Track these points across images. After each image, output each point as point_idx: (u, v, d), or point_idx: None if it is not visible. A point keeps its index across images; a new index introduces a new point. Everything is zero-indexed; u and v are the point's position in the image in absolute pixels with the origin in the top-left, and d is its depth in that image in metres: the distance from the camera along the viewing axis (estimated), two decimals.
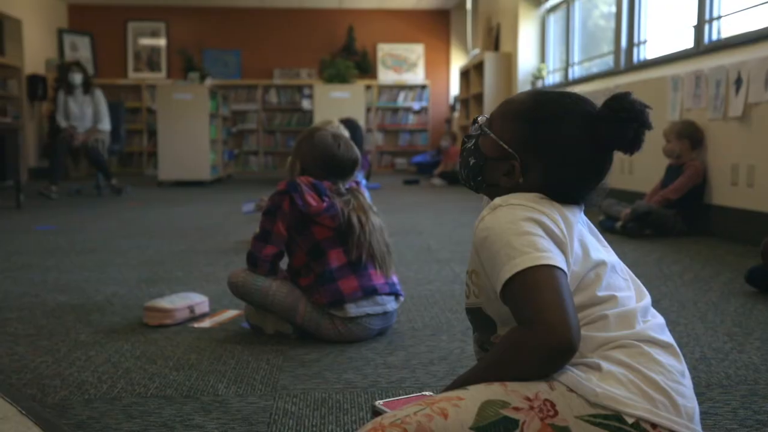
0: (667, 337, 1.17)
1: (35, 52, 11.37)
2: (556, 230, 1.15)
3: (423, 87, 12.92)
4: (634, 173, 5.79)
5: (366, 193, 4.20)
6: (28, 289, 3.03)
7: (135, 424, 1.59)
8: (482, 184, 1.29)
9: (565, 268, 1.11)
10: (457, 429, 1.03)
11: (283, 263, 2.37)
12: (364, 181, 4.24)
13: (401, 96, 12.90)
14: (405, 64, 12.99)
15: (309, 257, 2.25)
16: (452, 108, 12.58)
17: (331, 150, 2.30)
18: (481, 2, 11.05)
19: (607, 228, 4.80)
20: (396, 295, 2.32)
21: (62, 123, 7.97)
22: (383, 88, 12.90)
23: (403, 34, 13.01)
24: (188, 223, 5.42)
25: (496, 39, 10.07)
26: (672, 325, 2.43)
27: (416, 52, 13.01)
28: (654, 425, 1.03)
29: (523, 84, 9.08)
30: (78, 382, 1.87)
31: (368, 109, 12.61)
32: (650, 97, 5.49)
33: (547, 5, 8.88)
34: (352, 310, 2.20)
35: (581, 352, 1.11)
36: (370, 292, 2.23)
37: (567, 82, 8.15)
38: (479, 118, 1.30)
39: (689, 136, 4.68)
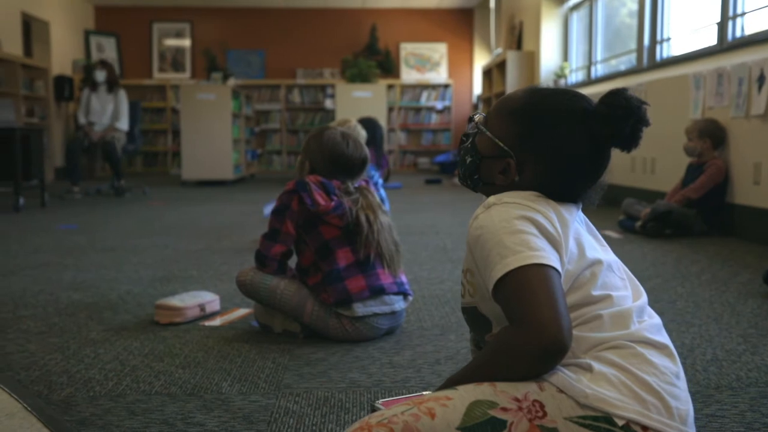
0: (663, 337, 1.15)
1: (62, 53, 11.51)
2: (551, 228, 1.13)
3: (446, 86, 12.88)
4: (657, 172, 5.73)
5: (382, 192, 4.21)
6: (45, 286, 3.06)
7: (137, 421, 1.60)
8: (479, 183, 1.28)
9: (559, 267, 1.10)
10: (444, 429, 1.02)
11: (292, 262, 2.37)
12: (380, 181, 4.24)
13: (424, 95, 12.87)
14: (428, 64, 12.95)
15: (317, 256, 2.25)
16: (475, 107, 12.52)
17: (340, 149, 2.29)
18: (505, 0, 10.99)
19: (627, 228, 4.75)
20: (404, 294, 2.31)
21: (81, 119, 8.09)
22: (406, 88, 12.88)
23: (426, 34, 12.98)
24: (207, 222, 5.45)
25: (518, 37, 10.02)
26: (686, 326, 2.40)
27: (439, 51, 12.97)
28: (645, 428, 1.01)
29: (545, 82, 9.01)
30: (85, 380, 1.88)
31: (391, 109, 12.61)
32: (672, 95, 5.42)
33: (570, 3, 8.81)
34: (360, 309, 2.19)
35: (574, 353, 1.09)
36: (378, 292, 2.22)
37: (589, 81, 8.08)
38: (475, 116, 1.29)
39: (711, 135, 4.61)
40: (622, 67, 7.23)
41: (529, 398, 1.04)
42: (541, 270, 1.07)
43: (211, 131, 9.31)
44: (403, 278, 2.33)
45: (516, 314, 1.06)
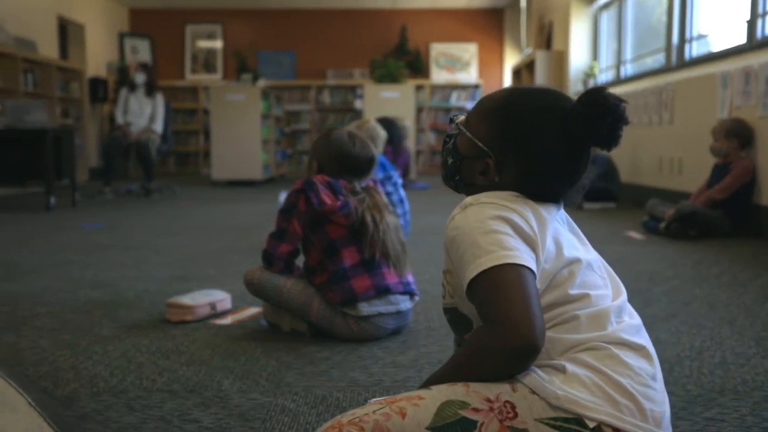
0: (641, 338, 1.13)
1: (97, 56, 11.71)
2: (526, 228, 1.13)
3: (476, 86, 12.84)
4: (684, 173, 5.65)
5: (401, 193, 4.21)
6: (65, 284, 3.12)
7: (135, 417, 1.63)
8: (461, 184, 1.27)
9: (533, 267, 1.09)
10: (414, 428, 1.02)
11: (300, 261, 2.39)
12: (400, 181, 4.25)
13: (454, 95, 12.84)
14: (458, 64, 12.92)
15: (323, 256, 2.26)
16: None
17: (347, 149, 2.30)
18: (535, 0, 10.92)
19: (651, 229, 4.69)
20: (411, 294, 2.31)
21: (119, 119, 8.24)
22: (436, 88, 12.86)
23: (456, 34, 12.96)
24: (231, 221, 5.50)
25: (548, 37, 9.95)
26: (697, 329, 2.36)
27: (469, 51, 12.94)
28: (616, 430, 1.01)
29: (574, 82, 8.95)
30: (90, 376, 1.91)
31: (420, 109, 12.60)
32: (700, 94, 5.35)
33: (600, 2, 8.73)
34: (365, 308, 2.20)
35: (550, 354, 1.09)
36: (383, 291, 2.23)
37: (618, 80, 7.99)
38: (456, 117, 1.29)
39: (738, 135, 4.54)
40: (656, 65, 7.14)
41: (500, 399, 1.04)
42: (515, 269, 1.07)
43: (240, 132, 9.39)
44: (410, 278, 2.33)
45: (489, 314, 1.06)
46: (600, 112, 1.15)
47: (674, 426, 1.57)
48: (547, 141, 1.18)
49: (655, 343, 2.15)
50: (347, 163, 2.31)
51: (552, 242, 1.16)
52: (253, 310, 2.61)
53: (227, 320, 2.51)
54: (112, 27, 12.40)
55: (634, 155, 6.79)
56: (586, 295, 1.13)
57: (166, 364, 2.02)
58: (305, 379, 1.89)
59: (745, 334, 2.31)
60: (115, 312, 2.63)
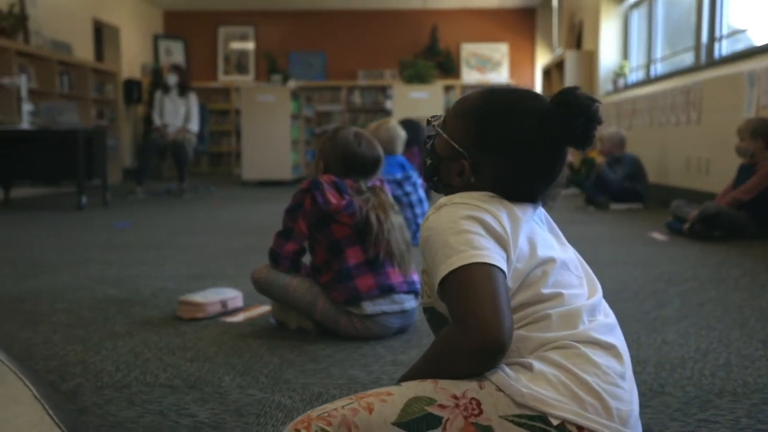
0: (613, 337, 1.13)
1: (132, 58, 11.90)
2: (498, 228, 1.13)
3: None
4: (711, 173, 5.57)
5: (421, 193, 4.22)
6: (85, 282, 3.19)
7: (134, 411, 1.67)
8: (439, 184, 1.29)
9: (503, 266, 1.10)
10: (380, 424, 1.04)
11: (307, 260, 2.41)
12: (419, 181, 4.26)
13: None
14: (489, 64, 12.88)
15: (328, 255, 2.29)
16: None
17: (352, 148, 2.32)
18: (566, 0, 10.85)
19: (675, 229, 4.64)
20: (415, 293, 2.33)
21: (156, 120, 8.41)
22: (466, 88, 12.82)
23: (487, 34, 12.92)
24: (256, 221, 5.56)
25: (578, 36, 9.87)
26: (706, 331, 2.34)
27: (500, 51, 12.89)
28: (580, 428, 1.01)
29: (604, 82, 8.87)
30: (96, 370, 1.96)
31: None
32: (727, 93, 5.27)
33: (631, 1, 8.63)
34: (369, 307, 2.22)
35: (520, 352, 1.10)
36: (387, 291, 2.25)
37: (649, 79, 7.90)
38: (433, 119, 1.30)
39: (764, 135, 4.46)
40: (685, 64, 7.05)
41: (467, 396, 1.05)
42: (484, 269, 1.08)
43: (270, 132, 9.48)
44: (415, 277, 2.35)
45: (457, 312, 1.07)
46: (572, 113, 1.16)
47: (665, 427, 1.57)
48: (522, 142, 1.19)
49: (661, 344, 2.16)
50: (353, 162, 2.33)
51: (526, 242, 1.17)
52: (264, 308, 2.64)
53: (239, 318, 2.55)
54: (146, 29, 12.59)
55: (662, 155, 6.71)
56: (559, 295, 1.14)
57: (171, 360, 2.06)
58: (304, 377, 1.91)
59: (754, 336, 2.28)
60: (130, 309, 2.68)
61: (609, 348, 1.11)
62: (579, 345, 1.08)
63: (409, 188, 4.14)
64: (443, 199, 1.20)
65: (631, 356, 2.01)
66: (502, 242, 1.13)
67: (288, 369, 1.98)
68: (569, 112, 1.16)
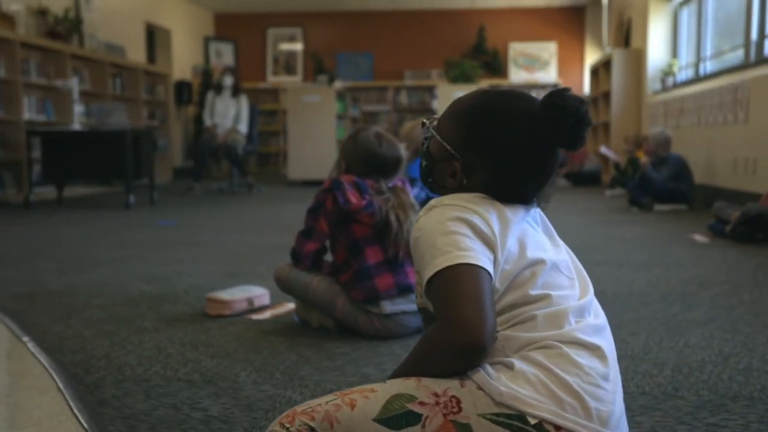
0: (599, 338, 1.13)
1: (182, 59, 12.14)
2: (485, 229, 1.14)
3: (555, 86, 12.65)
4: (758, 174, 5.44)
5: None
6: (122, 278, 3.28)
7: (149, 404, 1.72)
8: (434, 186, 1.30)
9: (489, 267, 1.11)
10: (361, 419, 1.06)
11: (329, 258, 2.45)
12: None
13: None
14: (537, 63, 12.78)
15: (349, 254, 2.32)
16: None
17: (373, 149, 2.35)
18: None
19: (717, 231, 4.54)
20: None
21: (207, 121, 8.58)
22: (514, 88, 12.72)
23: (535, 33, 12.81)
24: (294, 220, 5.61)
25: (626, 35, 9.72)
26: (732, 334, 2.30)
27: (549, 50, 12.77)
28: (558, 427, 1.02)
29: (652, 81, 8.72)
30: (120, 364, 2.03)
31: None
32: None
33: None
34: (387, 307, 2.24)
35: (505, 352, 1.10)
36: (406, 290, 2.26)
37: (697, 78, 7.74)
38: (427, 120, 1.31)
39: None
40: (734, 62, 6.89)
41: (447, 394, 1.06)
42: (469, 270, 1.09)
43: (315, 132, 9.57)
44: None
45: (440, 312, 1.08)
46: (560, 114, 1.16)
47: (673, 430, 1.56)
48: (512, 143, 1.20)
49: (683, 347, 2.13)
50: (374, 162, 2.35)
51: (515, 243, 1.17)
52: (290, 306, 2.68)
53: (265, 315, 2.60)
54: (197, 32, 12.82)
55: (709, 155, 6.58)
56: (547, 296, 1.14)
57: (192, 355, 2.11)
58: (319, 373, 1.94)
59: None
60: (160, 305, 2.75)
61: (593, 349, 1.11)
62: (562, 345, 1.09)
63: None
64: (433, 201, 1.22)
65: (650, 359, 2.02)
66: (489, 243, 1.14)
67: (304, 366, 2.01)
68: (558, 114, 1.17)
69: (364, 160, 2.35)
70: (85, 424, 1.59)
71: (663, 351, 2.13)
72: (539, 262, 1.17)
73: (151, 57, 11.48)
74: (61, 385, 1.85)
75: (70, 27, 8.50)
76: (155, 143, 10.50)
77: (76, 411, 1.67)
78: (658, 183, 6.18)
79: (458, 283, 1.08)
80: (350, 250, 2.31)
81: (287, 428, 1.07)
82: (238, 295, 2.63)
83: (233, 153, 8.43)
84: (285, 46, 13.43)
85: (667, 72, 8.42)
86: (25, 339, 2.28)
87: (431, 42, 12.95)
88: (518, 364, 1.07)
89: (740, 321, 2.47)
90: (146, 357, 2.10)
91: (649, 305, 2.71)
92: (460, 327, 1.05)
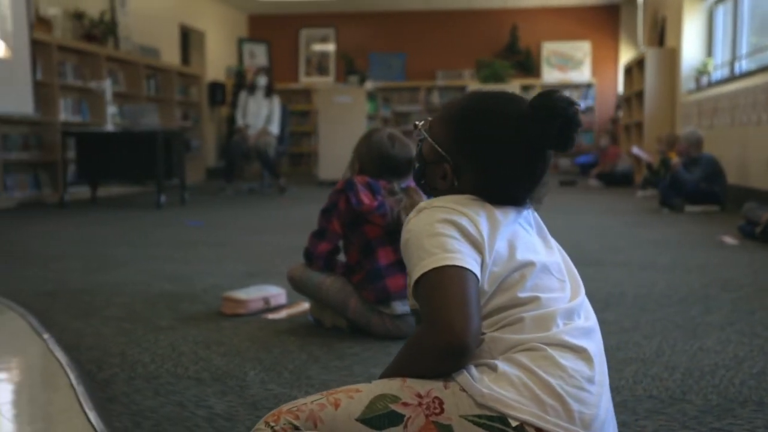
0: (587, 341, 1.13)
1: (216, 61, 12.27)
2: (473, 231, 1.14)
3: (588, 86, 12.54)
4: None
5: None
6: (145, 277, 3.34)
7: (156, 401, 1.75)
8: (426, 188, 1.31)
9: (475, 269, 1.11)
10: (345, 419, 1.07)
11: (343, 258, 2.46)
12: None
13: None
14: (570, 62, 12.67)
15: (361, 255, 2.33)
16: (618, 107, 12.10)
17: (386, 150, 2.36)
18: None
19: (747, 233, 4.47)
20: None
21: (239, 121, 8.65)
22: (546, 88, 12.62)
23: (568, 32, 12.70)
24: None
25: (661, 34, 9.59)
26: (749, 338, 2.26)
27: (582, 49, 12.65)
28: (539, 429, 1.02)
29: (686, 80, 8.59)
30: (132, 362, 2.06)
31: None
32: None
33: None
34: (399, 307, 2.25)
35: (491, 354, 1.11)
36: None
37: (733, 77, 7.61)
38: (419, 123, 1.32)
39: None
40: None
41: (431, 395, 1.07)
42: (456, 271, 1.09)
43: (346, 132, 9.58)
44: None
45: (426, 314, 1.09)
46: (548, 115, 1.16)
47: None
48: (502, 145, 1.20)
49: (697, 350, 2.11)
50: (387, 163, 2.36)
51: (505, 245, 1.17)
52: (307, 306, 2.69)
53: (281, 315, 2.62)
54: (231, 33, 12.95)
55: (743, 156, 6.46)
56: (536, 298, 1.14)
57: (204, 353, 2.14)
58: (326, 373, 1.96)
59: None
60: (179, 304, 2.79)
61: (579, 351, 1.10)
62: (547, 347, 1.08)
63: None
64: (423, 203, 1.22)
65: (662, 362, 2.00)
66: (476, 245, 1.14)
67: (312, 366, 2.03)
68: (546, 115, 1.17)
69: (377, 161, 2.36)
70: (92, 420, 1.62)
71: (676, 354, 2.10)
72: (529, 265, 1.17)
73: (185, 58, 11.63)
74: (73, 382, 1.89)
75: (105, 30, 8.65)
76: (187, 144, 10.64)
77: (85, 407, 1.70)
78: (690, 184, 6.09)
79: (444, 285, 1.09)
80: (362, 250, 2.32)
81: (272, 427, 1.09)
82: (254, 294, 2.65)
83: (264, 156, 8.50)
84: (317, 47, 13.50)
85: (702, 71, 8.29)
86: (45, 336, 2.33)
87: (463, 42, 12.91)
88: (502, 366, 1.07)
89: (760, 325, 2.43)
90: (159, 355, 2.13)
91: (667, 307, 2.68)
92: (443, 328, 1.05)
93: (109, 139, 6.92)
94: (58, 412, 1.72)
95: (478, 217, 1.16)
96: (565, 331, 1.12)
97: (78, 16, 8.29)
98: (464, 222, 1.15)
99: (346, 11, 13.21)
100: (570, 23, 12.69)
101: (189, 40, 11.80)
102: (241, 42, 13.09)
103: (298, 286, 2.40)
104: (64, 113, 7.75)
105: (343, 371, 1.98)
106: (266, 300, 2.67)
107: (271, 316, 2.60)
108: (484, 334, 1.12)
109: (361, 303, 2.30)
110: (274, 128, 8.71)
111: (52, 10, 7.87)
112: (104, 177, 7.26)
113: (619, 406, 1.69)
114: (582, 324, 1.15)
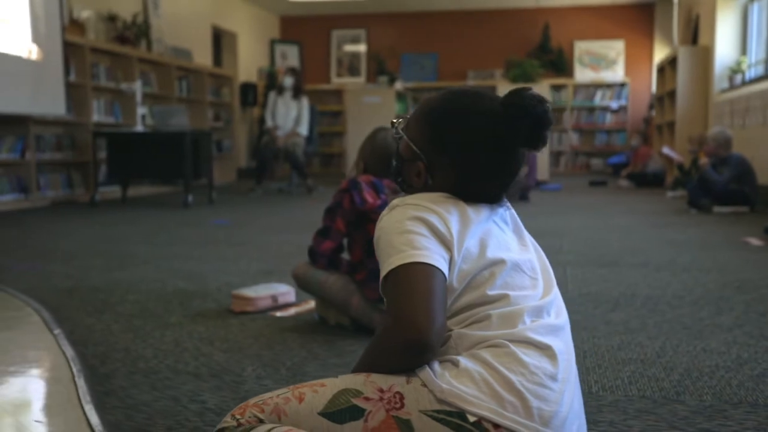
0: (553, 338, 1.12)
1: (248, 62, 12.38)
2: (442, 229, 1.15)
3: (622, 85, 12.40)
4: None
5: None
6: (162, 275, 3.39)
7: (152, 395, 1.78)
8: (404, 185, 1.31)
9: (443, 267, 1.12)
10: (308, 413, 1.08)
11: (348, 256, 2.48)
12: None
13: (598, 94, 12.47)
14: (603, 62, 12.53)
15: (364, 253, 2.34)
16: (651, 106, 11.95)
17: (390, 149, 2.37)
18: None
19: None
20: None
21: (269, 121, 8.72)
22: (579, 87, 12.54)
23: (601, 31, 12.57)
24: None
25: (694, 32, 9.45)
26: (756, 340, 2.24)
27: (616, 48, 12.51)
28: (497, 426, 1.02)
29: (719, 79, 8.45)
30: (135, 357, 2.10)
31: (563, 109, 12.36)
32: None
33: None
34: None
35: (457, 350, 1.11)
36: None
37: (767, 75, 7.47)
38: (396, 121, 1.33)
39: None
40: None
41: (392, 390, 1.07)
42: (422, 268, 1.10)
43: None
44: None
45: (391, 310, 1.10)
46: (519, 114, 1.16)
47: None
48: (474, 143, 1.20)
49: (700, 351, 2.09)
50: (390, 162, 2.36)
51: (476, 243, 1.18)
52: (314, 304, 2.72)
53: (290, 312, 2.65)
54: (263, 34, 13.06)
55: None
56: (505, 296, 1.14)
57: (207, 350, 2.17)
58: (323, 370, 1.97)
59: None
60: (191, 302, 2.83)
61: (544, 348, 1.10)
62: (510, 344, 1.09)
63: None
64: (396, 200, 1.23)
65: (661, 363, 1.98)
66: (446, 243, 1.15)
67: (311, 362, 2.05)
68: (516, 113, 1.17)
69: (381, 160, 2.38)
70: (87, 413, 1.66)
71: (678, 355, 2.08)
72: (499, 262, 1.17)
73: (218, 60, 11.75)
74: (75, 375, 1.93)
75: (138, 32, 8.78)
76: (219, 144, 10.76)
77: (82, 400, 1.74)
78: (719, 184, 5.99)
79: (409, 282, 1.10)
80: (366, 249, 2.34)
81: (237, 419, 1.11)
82: (262, 292, 2.68)
83: (293, 157, 8.55)
84: (349, 48, 13.55)
85: (735, 69, 8.15)
86: (56, 331, 2.38)
87: (495, 41, 12.86)
88: (464, 362, 1.08)
89: (766, 325, 2.40)
90: (162, 350, 2.17)
91: (678, 309, 2.65)
92: (406, 324, 1.06)
93: (138, 140, 7.03)
94: (56, 404, 1.77)
95: (449, 215, 1.17)
96: (531, 329, 1.12)
97: (111, 18, 8.44)
98: (434, 220, 1.16)
99: (377, 12, 13.24)
100: (603, 22, 12.56)
101: (221, 41, 11.92)
102: (273, 43, 13.19)
103: (302, 284, 2.43)
104: (97, 114, 7.89)
105: (341, 368, 1.99)
106: (274, 298, 2.70)
107: (279, 313, 2.63)
108: (451, 330, 1.13)
109: (363, 301, 2.32)
110: (303, 129, 8.77)
111: (85, 13, 8.02)
112: (134, 177, 7.37)
113: (610, 406, 1.69)
114: (551, 321, 1.15)
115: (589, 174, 12.09)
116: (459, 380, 1.06)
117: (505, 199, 1.28)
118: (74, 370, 1.98)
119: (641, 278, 3.23)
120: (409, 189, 1.30)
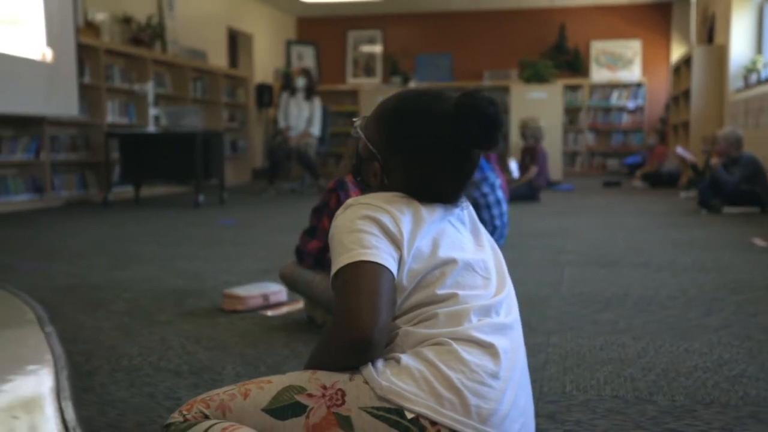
0: (498, 337, 1.13)
1: (264, 63, 12.45)
2: (393, 228, 1.16)
3: (638, 85, 12.31)
4: None
5: (499, 194, 4.19)
6: (161, 274, 3.43)
7: (129, 392, 1.81)
8: (363, 184, 1.33)
9: (391, 266, 1.13)
10: (252, 409, 1.10)
11: None
12: (497, 182, 4.23)
13: (614, 94, 12.39)
14: (620, 62, 12.45)
15: None
16: (667, 106, 11.85)
17: None
18: None
19: None
20: None
21: (281, 122, 8.78)
22: (595, 87, 12.47)
23: (618, 30, 12.48)
24: None
25: (710, 31, 9.37)
26: (741, 341, 2.22)
27: (632, 48, 12.42)
28: (434, 423, 1.03)
29: (734, 78, 8.38)
30: (120, 354, 2.13)
31: (578, 109, 12.31)
32: None
33: None
34: None
35: (402, 347, 1.12)
36: None
37: None
38: (356, 121, 1.34)
39: None
40: None
41: (335, 387, 1.09)
42: (369, 267, 1.11)
43: None
44: None
45: (336, 308, 1.12)
46: (470, 114, 1.17)
47: None
48: (428, 144, 1.21)
49: (682, 352, 2.08)
50: None
51: (429, 243, 1.19)
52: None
53: (281, 311, 2.67)
54: (279, 36, 13.12)
55: None
56: (454, 295, 1.15)
57: (192, 348, 2.20)
58: (302, 368, 1.99)
59: None
60: (184, 300, 2.86)
61: (486, 347, 1.11)
62: (453, 342, 1.10)
63: (486, 189, 4.13)
64: (350, 200, 1.25)
65: (640, 363, 1.98)
66: (395, 242, 1.16)
67: (292, 361, 2.06)
68: (467, 114, 1.18)
69: None
70: (63, 409, 1.69)
71: (659, 355, 2.08)
72: (450, 262, 1.18)
73: (233, 61, 11.83)
74: (58, 372, 1.96)
75: (153, 34, 8.87)
76: (234, 144, 10.83)
77: (61, 396, 1.77)
78: (730, 184, 5.94)
79: (355, 280, 1.11)
80: None
81: (184, 415, 1.13)
82: (253, 291, 2.71)
83: (305, 158, 8.60)
84: (365, 49, 13.58)
85: (751, 69, 8.07)
86: (48, 329, 2.42)
87: (511, 42, 12.82)
88: (406, 359, 1.09)
89: (757, 328, 2.38)
90: (147, 348, 2.20)
91: (668, 309, 2.64)
92: (350, 322, 1.08)
93: (151, 141, 7.10)
94: (36, 400, 1.80)
95: (401, 214, 1.18)
96: (476, 327, 1.13)
97: (126, 20, 8.53)
98: (385, 219, 1.17)
99: (393, 12, 13.25)
100: (620, 21, 12.48)
101: (237, 42, 12.00)
102: (289, 44, 13.25)
103: (289, 284, 2.45)
104: (111, 115, 7.98)
105: None
106: (265, 297, 2.72)
107: (270, 312, 2.65)
108: (399, 328, 1.14)
109: None
110: (315, 130, 8.81)
111: (100, 15, 8.11)
112: (146, 177, 7.44)
113: (580, 406, 1.69)
114: (498, 320, 1.16)
115: (604, 174, 12.01)
116: (399, 377, 1.07)
117: (463, 199, 1.29)
118: (58, 367, 2.01)
119: (638, 279, 3.22)
120: (367, 188, 1.32)
